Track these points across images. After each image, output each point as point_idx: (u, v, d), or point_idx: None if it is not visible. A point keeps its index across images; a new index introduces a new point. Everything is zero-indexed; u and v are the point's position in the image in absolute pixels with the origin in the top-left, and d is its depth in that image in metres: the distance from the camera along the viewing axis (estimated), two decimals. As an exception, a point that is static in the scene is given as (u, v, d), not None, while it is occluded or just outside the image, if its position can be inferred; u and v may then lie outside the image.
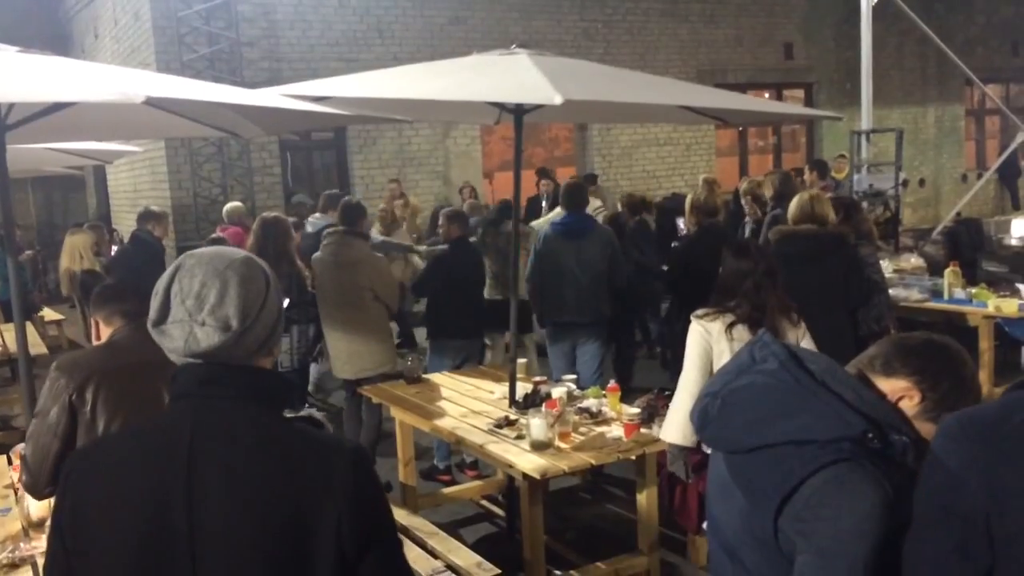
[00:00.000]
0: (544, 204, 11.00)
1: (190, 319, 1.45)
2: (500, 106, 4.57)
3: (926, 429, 1.66)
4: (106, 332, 2.95)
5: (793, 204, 5.16)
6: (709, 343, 3.74)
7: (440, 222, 6.13)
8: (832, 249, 4.78)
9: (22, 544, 3.03)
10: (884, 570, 1.52)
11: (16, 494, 3.24)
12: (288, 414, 3.01)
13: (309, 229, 7.67)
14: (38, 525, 3.11)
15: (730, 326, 3.71)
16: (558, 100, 3.22)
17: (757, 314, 3.71)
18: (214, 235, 7.89)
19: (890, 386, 1.68)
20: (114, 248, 8.82)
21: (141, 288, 3.33)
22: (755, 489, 1.63)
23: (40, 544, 2.97)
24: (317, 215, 8.02)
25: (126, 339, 2.86)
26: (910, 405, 1.67)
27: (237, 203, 9.06)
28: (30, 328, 8.70)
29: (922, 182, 16.69)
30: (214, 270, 1.47)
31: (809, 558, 1.54)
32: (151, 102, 3.46)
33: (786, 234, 4.93)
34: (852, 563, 1.50)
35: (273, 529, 1.39)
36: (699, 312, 3.82)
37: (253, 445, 1.44)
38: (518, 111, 4.40)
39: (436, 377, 5.29)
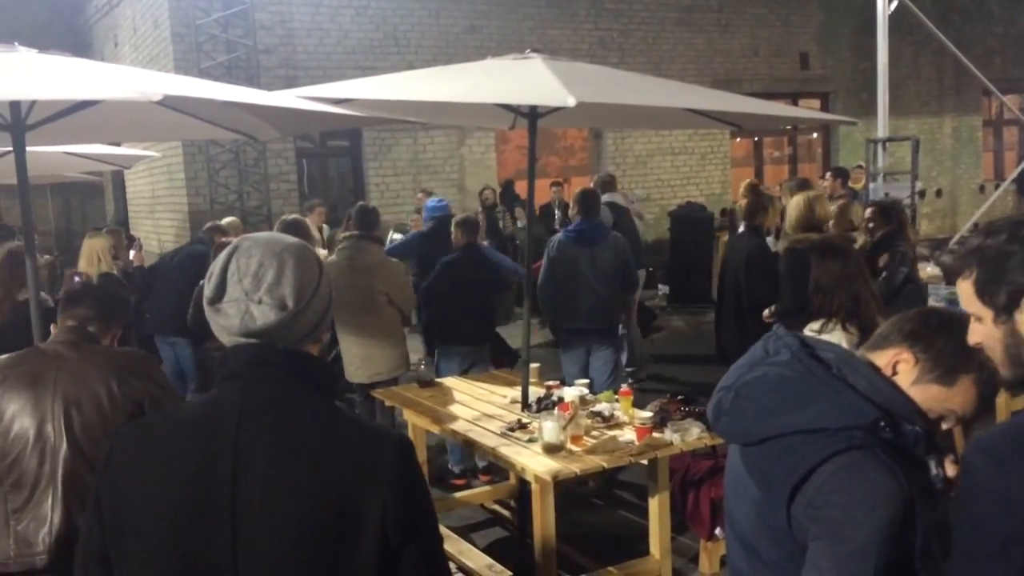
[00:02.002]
0: (556, 212, 11.02)
1: (246, 298, 1.46)
2: (514, 110, 4.59)
3: (932, 393, 1.64)
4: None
5: (791, 209, 5.20)
6: None
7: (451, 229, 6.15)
8: None
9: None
10: (897, 563, 1.51)
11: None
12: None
13: None
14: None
15: (843, 325, 3.79)
16: (572, 102, 3.22)
17: (854, 306, 3.81)
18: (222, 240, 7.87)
19: (885, 358, 1.68)
20: (131, 252, 8.84)
21: (104, 293, 3.33)
22: (768, 479, 1.63)
23: None
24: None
25: (55, 341, 2.85)
26: (907, 369, 1.65)
27: (234, 218, 9.02)
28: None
29: (939, 193, 16.60)
30: (271, 251, 1.50)
31: (821, 544, 1.53)
32: (169, 103, 3.50)
33: (794, 245, 4.92)
34: (863, 549, 1.49)
35: (317, 512, 1.39)
36: (814, 326, 3.86)
37: (301, 428, 1.44)
38: (532, 115, 4.41)
39: (449, 381, 5.29)
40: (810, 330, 3.84)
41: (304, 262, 1.51)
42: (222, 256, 1.52)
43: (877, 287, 4.82)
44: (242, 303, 1.46)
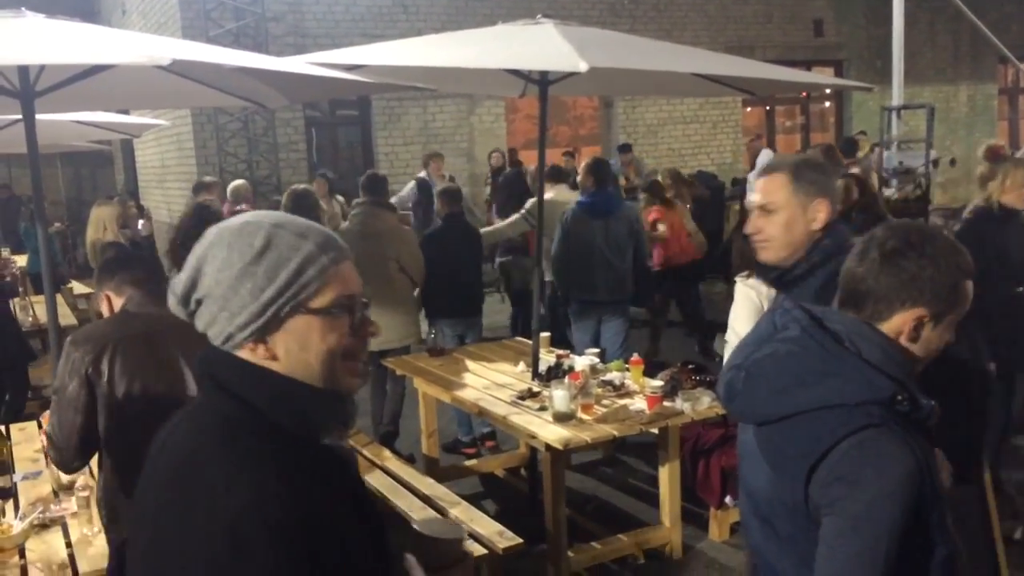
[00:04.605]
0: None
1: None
2: (525, 77, 4.53)
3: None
4: (118, 303, 2.90)
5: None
6: (760, 302, 3.73)
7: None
8: None
9: (52, 506, 3.09)
10: (914, 538, 1.50)
11: (47, 458, 3.29)
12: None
13: None
14: (67, 488, 3.16)
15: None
16: (583, 67, 3.18)
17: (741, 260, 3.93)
18: (238, 208, 7.87)
19: (896, 324, 1.61)
20: (140, 223, 8.86)
21: (143, 256, 3.31)
22: (784, 457, 1.60)
23: (70, 506, 3.02)
24: None
25: (137, 307, 2.84)
26: (930, 328, 1.61)
27: (242, 180, 9.06)
28: (60, 300, 8.81)
29: (953, 162, 16.40)
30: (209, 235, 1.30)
31: (836, 521, 1.51)
32: (177, 69, 3.48)
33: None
34: (878, 528, 1.47)
35: (157, 542, 1.22)
36: (743, 273, 3.91)
37: (185, 452, 1.24)
38: (543, 82, 4.36)
39: (459, 350, 5.29)
40: (740, 279, 4.03)
41: (224, 245, 1.24)
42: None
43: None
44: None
